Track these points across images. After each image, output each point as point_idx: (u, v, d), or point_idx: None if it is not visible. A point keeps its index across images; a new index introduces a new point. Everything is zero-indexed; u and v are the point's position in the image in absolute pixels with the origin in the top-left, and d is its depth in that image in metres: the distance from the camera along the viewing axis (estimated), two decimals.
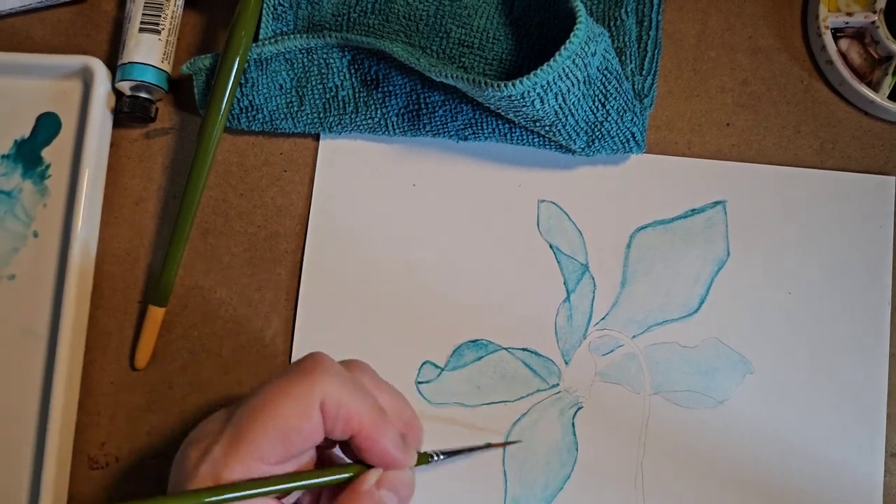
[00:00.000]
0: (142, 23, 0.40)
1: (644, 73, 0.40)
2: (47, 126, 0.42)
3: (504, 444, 0.38)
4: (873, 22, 0.41)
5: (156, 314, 0.39)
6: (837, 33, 0.42)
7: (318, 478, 0.31)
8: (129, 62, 0.40)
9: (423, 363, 0.39)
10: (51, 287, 0.40)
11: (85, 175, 0.39)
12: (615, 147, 0.39)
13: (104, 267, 0.41)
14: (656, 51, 0.40)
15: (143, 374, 0.40)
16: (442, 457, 0.36)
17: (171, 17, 0.41)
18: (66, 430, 0.38)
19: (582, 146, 0.39)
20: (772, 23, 0.42)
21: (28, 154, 0.41)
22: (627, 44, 0.40)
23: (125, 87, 0.40)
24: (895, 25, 0.41)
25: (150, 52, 0.40)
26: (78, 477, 0.39)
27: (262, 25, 0.40)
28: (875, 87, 0.41)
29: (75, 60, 0.41)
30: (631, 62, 0.40)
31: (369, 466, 0.31)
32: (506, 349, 0.39)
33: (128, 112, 0.40)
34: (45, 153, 0.41)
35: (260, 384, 0.31)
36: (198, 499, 0.28)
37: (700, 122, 0.42)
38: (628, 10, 0.40)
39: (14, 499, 0.38)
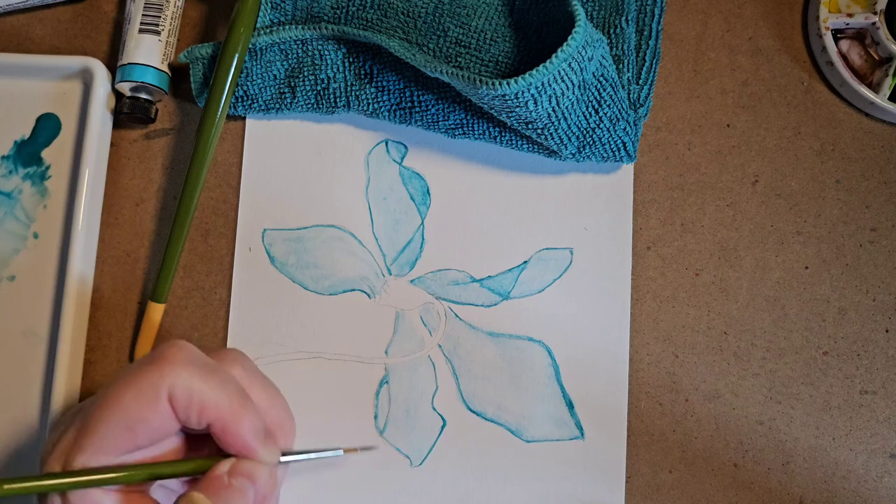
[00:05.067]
0: (142, 23, 0.40)
1: (641, 82, 0.40)
2: (47, 127, 0.42)
3: (355, 450, 0.38)
4: (874, 23, 0.41)
5: (155, 311, 0.39)
6: (838, 34, 0.42)
7: (165, 469, 0.31)
8: (129, 63, 0.40)
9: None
10: (51, 288, 0.40)
11: (85, 176, 0.39)
12: (605, 155, 0.39)
13: (104, 268, 0.41)
14: (654, 61, 0.40)
15: None
16: (293, 458, 0.34)
17: (172, 18, 0.41)
18: None
19: (572, 151, 0.39)
20: (772, 24, 0.42)
21: (28, 155, 0.41)
22: (626, 52, 0.39)
23: (125, 87, 0.40)
24: None
25: (150, 53, 0.40)
26: None
27: (260, 15, 0.40)
28: (875, 88, 0.41)
29: (75, 61, 0.41)
30: (628, 71, 0.39)
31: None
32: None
33: (128, 113, 0.40)
34: (45, 154, 0.41)
35: (116, 373, 0.31)
36: (35, 483, 0.29)
37: (700, 123, 0.42)
38: (629, 18, 0.39)
39: (14, 498, 0.38)
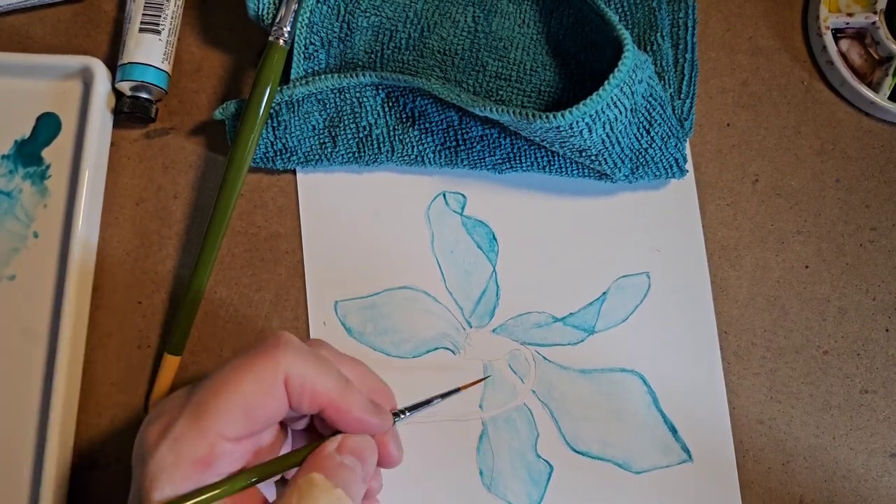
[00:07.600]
0: (142, 23, 0.40)
1: (682, 96, 0.40)
2: (47, 126, 0.42)
3: (472, 385, 0.38)
4: (874, 22, 0.41)
5: (171, 363, 0.39)
6: (838, 34, 0.42)
7: (282, 464, 0.31)
8: (129, 62, 0.40)
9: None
10: (51, 288, 0.40)
11: (85, 175, 0.39)
12: (658, 173, 0.39)
13: (104, 267, 0.41)
14: (693, 73, 0.40)
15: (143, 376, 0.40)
16: (408, 413, 0.35)
17: (172, 17, 0.41)
18: (67, 431, 0.38)
19: (626, 174, 0.39)
20: (772, 23, 0.43)
21: (28, 154, 0.41)
22: (665, 68, 0.39)
23: (125, 87, 0.40)
24: None
25: (150, 52, 0.40)
26: (79, 477, 0.39)
27: (294, 66, 0.39)
28: (875, 87, 0.41)
29: (75, 61, 0.41)
30: (670, 87, 0.39)
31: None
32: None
33: (128, 112, 0.40)
34: (46, 153, 0.41)
35: (224, 362, 0.31)
36: None
37: (700, 122, 0.42)
38: (664, 33, 0.39)
39: (15, 499, 0.38)
